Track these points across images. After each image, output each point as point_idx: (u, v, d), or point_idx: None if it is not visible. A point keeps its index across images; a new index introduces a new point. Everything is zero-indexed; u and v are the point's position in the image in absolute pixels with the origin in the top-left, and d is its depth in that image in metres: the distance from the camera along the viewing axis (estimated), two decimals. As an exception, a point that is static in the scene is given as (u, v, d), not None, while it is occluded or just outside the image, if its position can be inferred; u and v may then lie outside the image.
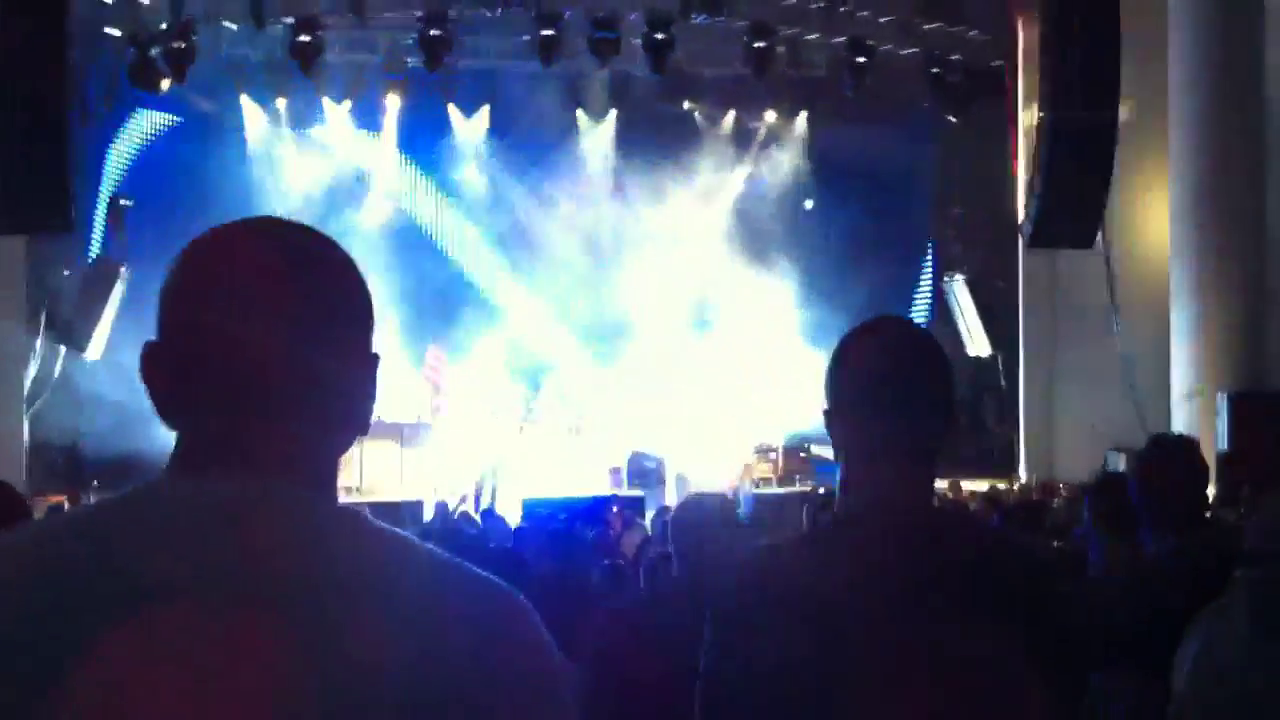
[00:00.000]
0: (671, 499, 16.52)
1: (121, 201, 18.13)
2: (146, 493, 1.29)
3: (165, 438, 1.34)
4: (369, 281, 1.39)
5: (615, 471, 17.22)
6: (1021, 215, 15.53)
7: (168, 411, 1.32)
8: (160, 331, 1.31)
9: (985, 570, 1.97)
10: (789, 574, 1.99)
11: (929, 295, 19.56)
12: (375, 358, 1.38)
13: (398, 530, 1.33)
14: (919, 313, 18.39)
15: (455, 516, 11.79)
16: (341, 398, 1.35)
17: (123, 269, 17.17)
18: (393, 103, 19.73)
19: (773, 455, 17.90)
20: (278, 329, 1.29)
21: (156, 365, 1.31)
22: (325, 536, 1.28)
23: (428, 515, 13.50)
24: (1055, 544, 6.84)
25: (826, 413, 2.10)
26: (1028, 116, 15.99)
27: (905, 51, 18.44)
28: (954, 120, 18.80)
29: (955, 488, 13.86)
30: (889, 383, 2.05)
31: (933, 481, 2.10)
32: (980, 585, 1.94)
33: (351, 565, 1.25)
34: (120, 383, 13.98)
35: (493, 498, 15.35)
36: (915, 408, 2.05)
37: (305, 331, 1.31)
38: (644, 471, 17.21)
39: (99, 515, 1.30)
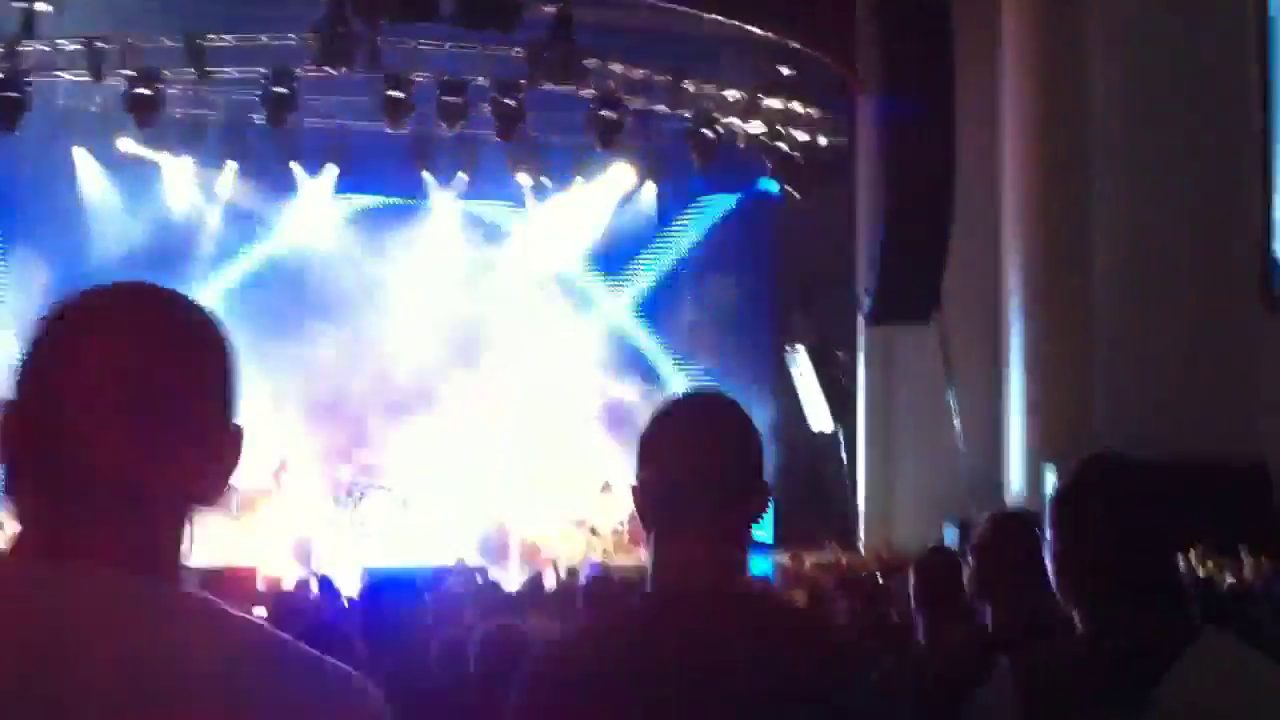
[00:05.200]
0: (515, 571, 16.25)
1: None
2: None
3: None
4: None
5: (459, 539, 16.83)
6: (860, 290, 15.83)
7: (10, 484, 1.31)
8: (14, 395, 1.31)
9: (778, 661, 1.93)
10: (581, 665, 1.96)
11: (770, 366, 19.73)
12: (231, 431, 1.37)
13: (237, 616, 1.32)
14: (760, 384, 18.51)
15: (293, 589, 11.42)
16: (180, 477, 1.33)
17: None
18: (229, 164, 19.34)
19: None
20: (108, 409, 1.28)
21: (4, 431, 1.30)
22: (158, 629, 1.26)
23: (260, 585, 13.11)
24: (894, 615, 6.91)
25: (634, 489, 2.07)
26: (867, 192, 16.35)
27: (750, 127, 18.79)
28: (796, 194, 19.16)
29: (797, 560, 13.94)
30: (693, 462, 2.02)
31: (739, 559, 2.07)
32: (773, 677, 1.91)
33: (177, 660, 1.24)
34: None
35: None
36: (719, 487, 2.01)
37: (137, 412, 1.29)
38: (486, 542, 16.84)
39: None
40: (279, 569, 14.91)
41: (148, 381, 1.30)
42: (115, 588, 1.27)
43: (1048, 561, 2.22)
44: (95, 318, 1.34)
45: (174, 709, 1.21)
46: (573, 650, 2.05)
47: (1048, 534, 2.22)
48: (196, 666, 1.24)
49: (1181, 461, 6.83)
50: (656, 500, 2.05)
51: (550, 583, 11.69)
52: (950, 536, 13.22)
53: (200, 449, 1.34)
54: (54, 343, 1.31)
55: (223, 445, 1.36)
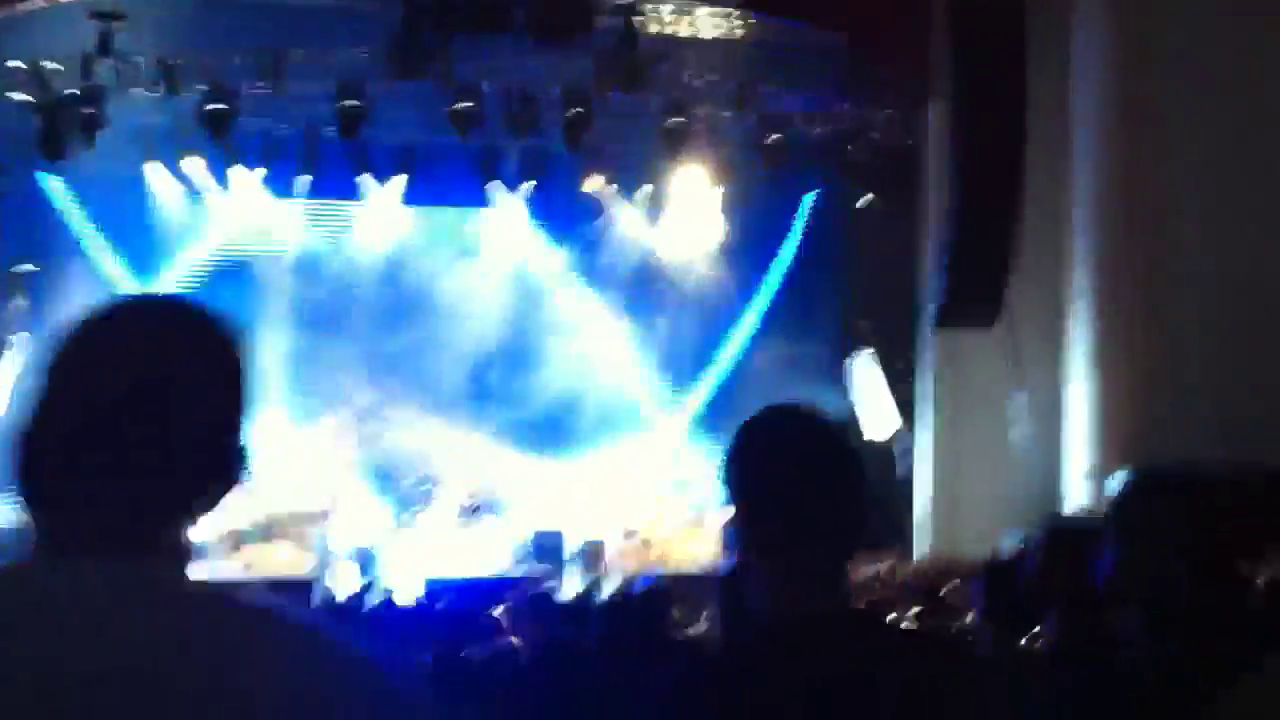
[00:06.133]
0: (575, 577, 16.30)
1: (23, 267, 17.77)
2: (12, 575, 1.34)
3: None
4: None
5: (518, 549, 16.82)
6: (925, 295, 15.72)
7: (24, 485, 1.37)
8: (32, 407, 1.38)
9: (899, 677, 1.92)
10: (707, 695, 1.95)
11: (833, 372, 19.59)
12: (236, 443, 1.44)
13: (240, 597, 1.39)
14: (825, 389, 18.43)
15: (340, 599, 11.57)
16: (190, 472, 1.41)
17: (19, 337, 16.92)
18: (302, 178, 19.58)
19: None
20: (118, 408, 1.36)
21: (18, 439, 1.37)
22: (185, 618, 1.33)
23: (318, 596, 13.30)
24: (955, 625, 6.86)
25: (734, 511, 2.02)
26: (937, 196, 16.24)
27: (818, 130, 18.71)
28: (863, 199, 19.03)
29: (854, 569, 13.80)
30: (798, 482, 1.97)
31: (846, 578, 2.04)
32: (893, 693, 1.91)
33: (204, 648, 1.31)
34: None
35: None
36: (827, 506, 1.97)
37: (146, 411, 1.37)
38: (547, 548, 16.81)
39: None
40: (339, 579, 15.06)
41: (153, 391, 1.38)
42: (125, 576, 1.33)
43: (1102, 571, 2.15)
44: (108, 331, 1.42)
45: (178, 681, 1.28)
46: (697, 677, 2.02)
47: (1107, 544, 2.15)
48: (198, 642, 1.31)
49: (1256, 471, 6.73)
50: (761, 525, 2.00)
51: (606, 594, 11.71)
52: (1011, 546, 13.07)
53: (202, 455, 1.42)
54: (68, 358, 1.40)
55: (220, 443, 1.44)
